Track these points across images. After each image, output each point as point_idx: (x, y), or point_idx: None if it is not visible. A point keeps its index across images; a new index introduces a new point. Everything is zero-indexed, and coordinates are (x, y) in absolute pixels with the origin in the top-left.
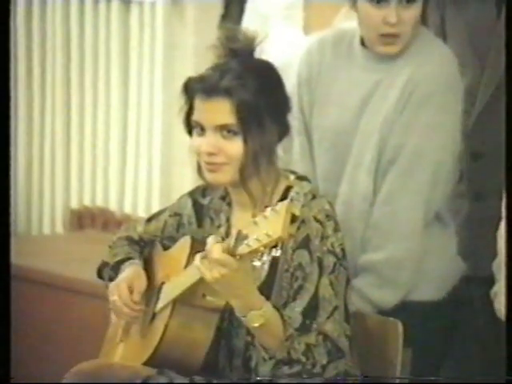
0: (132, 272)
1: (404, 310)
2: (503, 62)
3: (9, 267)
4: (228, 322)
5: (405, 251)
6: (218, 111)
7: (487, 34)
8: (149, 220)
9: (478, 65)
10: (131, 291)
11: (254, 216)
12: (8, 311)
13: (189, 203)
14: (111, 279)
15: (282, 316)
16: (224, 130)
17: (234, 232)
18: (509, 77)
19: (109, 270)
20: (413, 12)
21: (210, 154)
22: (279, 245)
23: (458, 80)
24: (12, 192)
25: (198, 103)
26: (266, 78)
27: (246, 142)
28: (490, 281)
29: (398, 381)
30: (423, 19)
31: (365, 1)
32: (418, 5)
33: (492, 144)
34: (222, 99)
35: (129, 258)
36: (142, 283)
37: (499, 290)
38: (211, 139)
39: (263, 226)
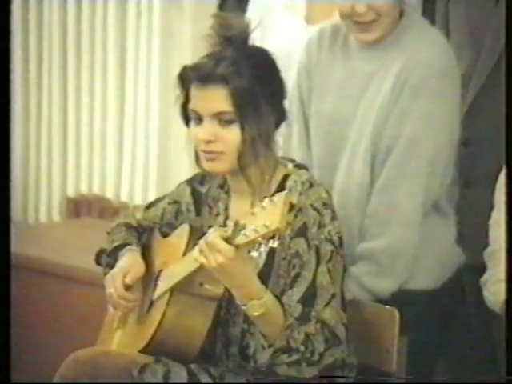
0: (129, 259)
1: (401, 298)
2: (499, 48)
3: (9, 257)
4: (225, 311)
5: (402, 239)
6: (215, 99)
7: (485, 18)
8: (148, 207)
9: (474, 53)
10: (125, 280)
11: (253, 204)
12: (8, 303)
13: (187, 191)
14: (109, 266)
15: (282, 305)
16: (221, 117)
17: (231, 222)
18: (508, 74)
19: (106, 257)
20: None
21: (208, 142)
22: (277, 236)
23: (453, 67)
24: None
25: (194, 92)
26: (261, 65)
27: (243, 128)
28: (481, 269)
29: (398, 381)
30: (431, 5)
31: None
32: None
33: (483, 130)
34: (218, 87)
35: (126, 244)
36: (139, 269)
37: (489, 278)
38: (208, 127)
39: (261, 217)
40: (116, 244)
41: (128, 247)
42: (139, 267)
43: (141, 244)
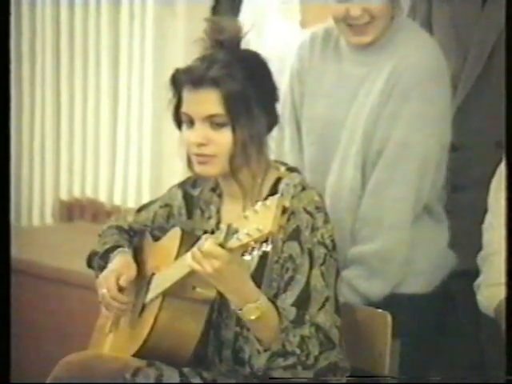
0: (121, 261)
1: (393, 302)
2: (487, 50)
3: (8, 261)
4: (217, 314)
5: (394, 243)
6: (206, 102)
7: (471, 24)
8: (139, 210)
9: (461, 55)
10: (119, 282)
11: (244, 208)
12: (8, 308)
13: (179, 194)
14: (101, 268)
15: (277, 308)
16: (213, 120)
17: (223, 225)
18: (509, 75)
19: (98, 259)
20: (379, 1)
21: (200, 145)
22: (270, 239)
23: (443, 70)
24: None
25: (186, 95)
26: (253, 68)
27: (234, 132)
28: (472, 273)
29: (391, 381)
30: (411, 8)
31: None
32: None
33: (471, 135)
34: (210, 90)
35: (118, 246)
36: (131, 272)
37: (482, 282)
38: (200, 130)
39: (254, 221)
40: (108, 246)
41: (120, 249)
42: (132, 269)
43: (132, 247)
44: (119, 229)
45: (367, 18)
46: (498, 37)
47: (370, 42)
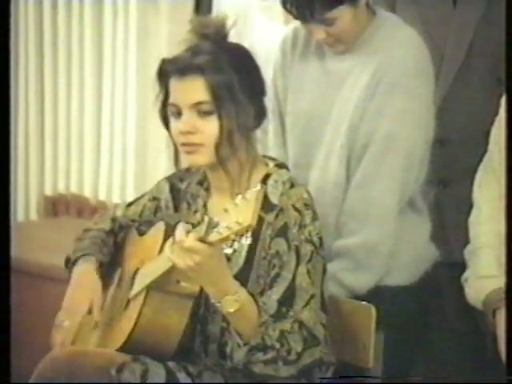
0: (81, 280)
1: (377, 294)
2: (463, 49)
3: (8, 260)
4: (204, 308)
5: (379, 235)
6: (192, 89)
7: (444, 23)
8: (129, 204)
9: (436, 54)
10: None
11: (232, 198)
12: (8, 309)
13: (166, 187)
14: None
15: (256, 302)
16: (199, 108)
17: (206, 219)
18: (509, 73)
19: (71, 266)
20: (341, 18)
21: (187, 134)
22: (249, 233)
23: (427, 64)
24: None
25: (173, 84)
26: (240, 59)
27: (220, 119)
28: (460, 266)
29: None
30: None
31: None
32: (344, 11)
33: (454, 130)
34: (196, 77)
35: (84, 255)
36: (96, 294)
37: (470, 275)
38: (188, 118)
39: (233, 214)
40: (77, 255)
41: (85, 257)
42: (95, 290)
43: (108, 251)
44: (100, 231)
45: (331, 39)
46: (474, 33)
47: (346, 49)
